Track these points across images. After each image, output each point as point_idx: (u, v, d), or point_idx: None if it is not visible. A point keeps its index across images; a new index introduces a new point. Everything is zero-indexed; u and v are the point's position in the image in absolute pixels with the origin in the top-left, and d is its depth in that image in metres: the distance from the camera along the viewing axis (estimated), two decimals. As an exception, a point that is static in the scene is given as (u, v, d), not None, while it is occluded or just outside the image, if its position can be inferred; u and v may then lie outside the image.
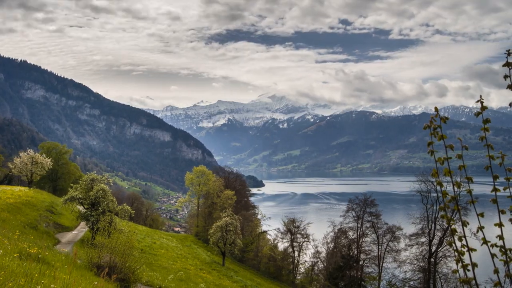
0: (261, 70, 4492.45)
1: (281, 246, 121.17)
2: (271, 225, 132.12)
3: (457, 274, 8.86)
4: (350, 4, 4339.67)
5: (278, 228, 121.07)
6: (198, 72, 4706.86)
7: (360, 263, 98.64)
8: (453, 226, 9.06)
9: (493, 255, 8.64)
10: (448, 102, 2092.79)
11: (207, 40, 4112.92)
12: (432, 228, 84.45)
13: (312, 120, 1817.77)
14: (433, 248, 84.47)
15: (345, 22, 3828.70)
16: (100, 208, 61.75)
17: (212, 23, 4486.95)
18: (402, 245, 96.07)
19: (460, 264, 8.64)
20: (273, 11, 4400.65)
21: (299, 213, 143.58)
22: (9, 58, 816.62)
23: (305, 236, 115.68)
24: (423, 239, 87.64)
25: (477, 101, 9.03)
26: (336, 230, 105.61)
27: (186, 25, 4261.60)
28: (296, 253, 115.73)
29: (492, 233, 9.27)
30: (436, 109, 9.01)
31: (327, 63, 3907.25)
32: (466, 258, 8.70)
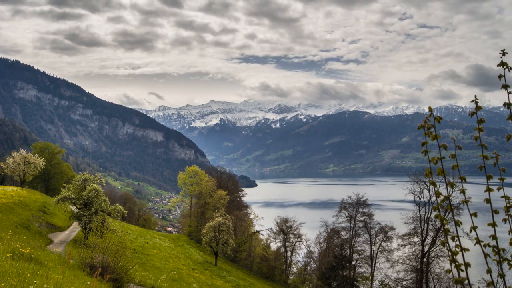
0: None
1: (274, 246, 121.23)
2: (263, 225, 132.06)
3: (450, 274, 8.87)
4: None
5: (271, 228, 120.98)
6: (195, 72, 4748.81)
7: (353, 263, 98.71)
8: (446, 226, 9.08)
9: (486, 255, 8.66)
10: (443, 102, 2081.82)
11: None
12: (425, 228, 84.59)
13: (304, 120, 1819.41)
14: (426, 248, 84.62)
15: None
16: (92, 208, 61.71)
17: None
18: (394, 245, 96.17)
19: (453, 264, 8.66)
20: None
21: (292, 213, 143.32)
22: (1, 58, 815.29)
23: (297, 236, 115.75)
24: (415, 239, 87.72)
25: (472, 101, 9.06)
26: (329, 230, 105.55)
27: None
28: (289, 253, 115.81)
29: (485, 233, 9.30)
30: (430, 108, 9.03)
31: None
32: (459, 258, 8.72)
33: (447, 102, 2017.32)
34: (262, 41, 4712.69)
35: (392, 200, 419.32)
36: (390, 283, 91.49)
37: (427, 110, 9.08)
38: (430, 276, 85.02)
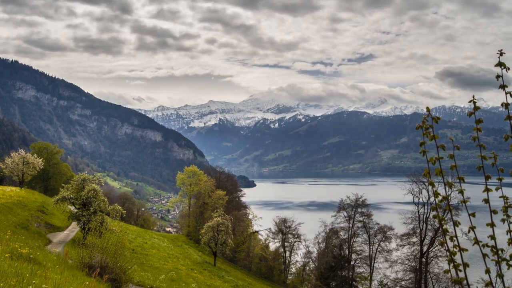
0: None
1: (273, 246, 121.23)
2: (262, 225, 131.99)
3: (449, 274, 8.87)
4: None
5: (270, 228, 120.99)
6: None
7: (352, 263, 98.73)
8: (444, 226, 9.09)
9: (484, 255, 8.67)
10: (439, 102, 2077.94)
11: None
12: (424, 228, 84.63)
13: (303, 120, 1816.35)
14: (425, 248, 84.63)
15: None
16: (91, 208, 61.75)
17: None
18: (393, 245, 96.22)
19: (451, 264, 8.66)
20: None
21: (291, 213, 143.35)
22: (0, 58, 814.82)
23: (296, 236, 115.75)
24: (414, 239, 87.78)
25: (470, 101, 9.06)
26: (328, 230, 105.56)
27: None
28: (288, 253, 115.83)
29: (483, 233, 9.30)
30: (428, 109, 9.03)
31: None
32: (457, 258, 8.72)
33: (431, 102, 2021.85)
34: (222, 45, 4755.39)
35: (392, 202, 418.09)
36: (388, 283, 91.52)
37: (425, 110, 9.08)
38: (429, 276, 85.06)
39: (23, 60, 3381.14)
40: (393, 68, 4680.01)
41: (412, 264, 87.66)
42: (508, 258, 8.74)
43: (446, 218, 9.09)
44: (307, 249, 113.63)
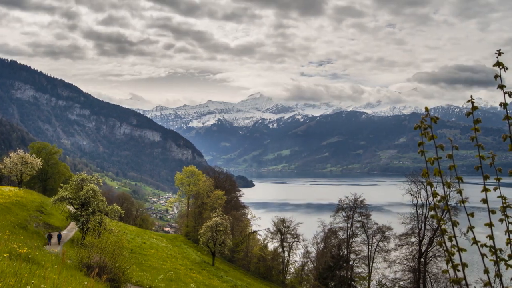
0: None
1: (271, 246, 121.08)
2: (261, 225, 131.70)
3: (447, 274, 8.86)
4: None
5: (268, 228, 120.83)
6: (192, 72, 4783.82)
7: (350, 263, 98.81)
8: (443, 226, 9.08)
9: (483, 255, 8.66)
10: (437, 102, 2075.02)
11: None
12: (422, 228, 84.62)
13: (302, 120, 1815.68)
14: (423, 248, 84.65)
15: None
16: (90, 208, 61.80)
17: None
18: (392, 245, 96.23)
19: (450, 264, 8.65)
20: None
21: (289, 213, 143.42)
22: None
23: (295, 236, 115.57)
24: (413, 239, 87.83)
25: (468, 101, 9.06)
26: (326, 230, 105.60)
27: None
28: (286, 253, 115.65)
29: (482, 233, 9.30)
30: (426, 109, 9.02)
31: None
32: (456, 258, 8.72)
33: (417, 102, 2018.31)
34: (178, 50, 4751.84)
35: (391, 202, 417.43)
36: (387, 283, 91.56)
37: (424, 110, 9.07)
38: (428, 276, 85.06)
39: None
40: (357, 70, 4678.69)
41: (411, 264, 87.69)
42: (506, 258, 8.74)
43: (444, 218, 9.07)
44: (306, 249, 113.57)
